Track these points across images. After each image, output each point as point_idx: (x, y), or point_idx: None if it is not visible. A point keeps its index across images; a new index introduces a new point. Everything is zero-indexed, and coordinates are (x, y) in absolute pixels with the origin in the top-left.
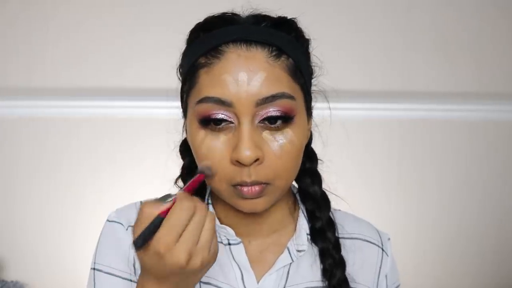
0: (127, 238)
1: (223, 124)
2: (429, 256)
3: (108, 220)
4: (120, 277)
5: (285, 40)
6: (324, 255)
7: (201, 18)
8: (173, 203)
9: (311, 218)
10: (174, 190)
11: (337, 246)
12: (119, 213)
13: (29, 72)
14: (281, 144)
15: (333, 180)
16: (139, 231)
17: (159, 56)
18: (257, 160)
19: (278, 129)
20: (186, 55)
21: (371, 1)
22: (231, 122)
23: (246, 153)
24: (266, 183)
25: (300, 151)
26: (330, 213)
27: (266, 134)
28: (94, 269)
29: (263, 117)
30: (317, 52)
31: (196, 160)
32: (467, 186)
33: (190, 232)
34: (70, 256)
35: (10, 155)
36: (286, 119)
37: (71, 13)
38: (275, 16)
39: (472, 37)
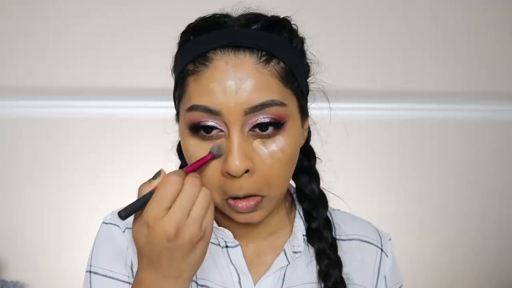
0: (124, 240)
1: (213, 132)
2: (429, 256)
3: (104, 222)
4: (117, 279)
5: (276, 43)
6: (320, 256)
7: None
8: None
9: (307, 218)
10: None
11: (333, 246)
12: (114, 215)
13: (29, 72)
14: (271, 153)
15: (332, 179)
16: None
17: (160, 56)
18: (247, 171)
19: (269, 136)
20: (177, 58)
21: (372, 0)
22: (221, 130)
23: (236, 164)
24: (261, 196)
25: (292, 158)
26: (328, 212)
27: (257, 143)
28: (90, 271)
29: (253, 124)
30: (317, 52)
31: None
32: (467, 186)
33: (177, 206)
34: (69, 256)
35: (10, 155)
36: (277, 125)
37: (71, 12)
38: (268, 16)
39: (473, 36)
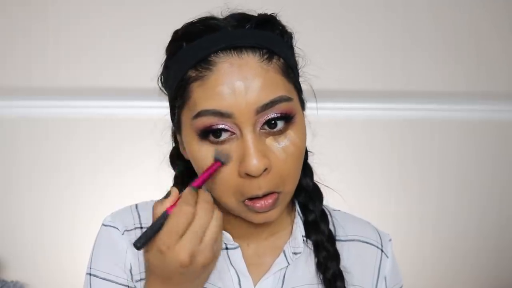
0: (123, 243)
1: (223, 136)
2: (429, 256)
3: (103, 224)
4: (116, 282)
5: (273, 40)
6: (318, 248)
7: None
8: (178, 199)
9: (304, 211)
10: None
11: (330, 239)
12: (114, 217)
13: (29, 72)
14: (284, 148)
15: (325, 172)
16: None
17: (160, 56)
18: (265, 169)
19: (280, 132)
20: (170, 67)
21: (372, 0)
22: (233, 133)
23: (255, 164)
24: (277, 192)
25: (303, 151)
26: (328, 212)
27: (269, 140)
28: (90, 274)
29: (263, 122)
30: (317, 52)
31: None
32: (467, 186)
33: (192, 233)
34: (69, 256)
35: (9, 155)
36: (286, 119)
37: (71, 12)
38: (255, 15)
39: (473, 36)
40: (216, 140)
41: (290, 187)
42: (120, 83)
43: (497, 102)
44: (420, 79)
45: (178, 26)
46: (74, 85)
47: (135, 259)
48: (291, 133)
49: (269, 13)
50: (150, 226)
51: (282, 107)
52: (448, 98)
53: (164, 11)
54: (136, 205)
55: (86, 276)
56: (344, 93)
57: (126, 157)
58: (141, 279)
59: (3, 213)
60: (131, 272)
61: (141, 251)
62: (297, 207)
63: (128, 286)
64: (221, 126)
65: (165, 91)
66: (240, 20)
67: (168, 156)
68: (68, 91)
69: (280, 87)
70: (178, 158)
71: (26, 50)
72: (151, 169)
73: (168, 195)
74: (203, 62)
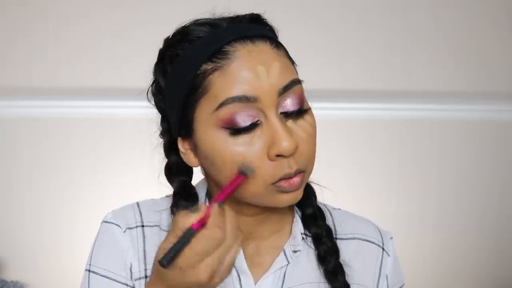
0: (124, 241)
1: (243, 125)
2: (429, 256)
3: (104, 221)
4: (115, 280)
5: (270, 32)
6: (319, 241)
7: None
8: (205, 216)
9: (301, 207)
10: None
11: (329, 233)
12: (116, 214)
13: (29, 72)
14: (305, 129)
15: (324, 172)
16: (169, 241)
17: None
18: (296, 148)
19: (298, 116)
20: (171, 71)
21: (372, 0)
22: (256, 122)
23: (286, 143)
24: (303, 171)
25: (316, 133)
26: (328, 211)
27: (290, 123)
28: (89, 270)
29: (283, 110)
30: (317, 52)
31: (221, 173)
32: (467, 186)
33: (217, 256)
34: (69, 256)
35: (9, 155)
36: (302, 107)
37: (71, 12)
38: (245, 14)
39: (473, 36)
40: (237, 129)
41: (311, 167)
42: (120, 83)
43: (497, 102)
44: (420, 79)
45: (178, 26)
46: (74, 85)
47: (136, 258)
48: (306, 116)
49: (255, 13)
50: (176, 242)
51: (297, 89)
52: (448, 98)
53: (164, 11)
54: (138, 203)
55: (84, 272)
56: (344, 93)
57: (126, 157)
58: (140, 278)
59: (3, 213)
60: (131, 271)
61: (149, 255)
62: (295, 206)
63: (128, 285)
64: (246, 113)
65: (155, 103)
66: (234, 18)
67: (159, 174)
68: (68, 91)
69: (292, 71)
70: (176, 173)
71: (26, 50)
72: (151, 169)
73: (195, 210)
74: (219, 54)
